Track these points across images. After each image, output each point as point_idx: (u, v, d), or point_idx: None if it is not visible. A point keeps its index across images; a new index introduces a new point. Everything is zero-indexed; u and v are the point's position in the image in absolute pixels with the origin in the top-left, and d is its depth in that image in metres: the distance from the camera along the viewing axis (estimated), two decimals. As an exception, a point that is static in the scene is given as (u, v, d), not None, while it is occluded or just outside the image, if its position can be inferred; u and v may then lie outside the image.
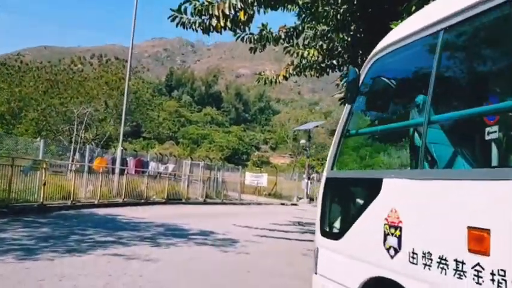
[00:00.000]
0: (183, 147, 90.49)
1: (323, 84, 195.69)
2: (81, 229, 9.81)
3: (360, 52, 15.17)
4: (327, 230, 3.33)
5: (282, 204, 28.69)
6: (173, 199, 20.58)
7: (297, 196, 32.05)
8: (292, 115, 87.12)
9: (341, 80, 16.68)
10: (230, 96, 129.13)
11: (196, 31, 10.48)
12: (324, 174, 3.43)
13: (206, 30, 10.60)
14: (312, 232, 12.20)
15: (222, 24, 10.36)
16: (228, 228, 11.99)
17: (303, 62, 14.59)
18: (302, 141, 34.19)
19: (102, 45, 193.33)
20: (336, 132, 3.44)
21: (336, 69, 14.98)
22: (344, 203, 3.33)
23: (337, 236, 3.08)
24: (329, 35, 13.91)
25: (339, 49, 14.44)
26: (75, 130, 28.23)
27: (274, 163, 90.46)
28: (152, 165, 21.92)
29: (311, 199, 32.30)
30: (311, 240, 11.26)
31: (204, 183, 23.52)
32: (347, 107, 3.38)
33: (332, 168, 3.35)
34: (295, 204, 29.44)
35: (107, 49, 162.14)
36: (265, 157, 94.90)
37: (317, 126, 40.18)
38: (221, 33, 10.74)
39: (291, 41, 13.70)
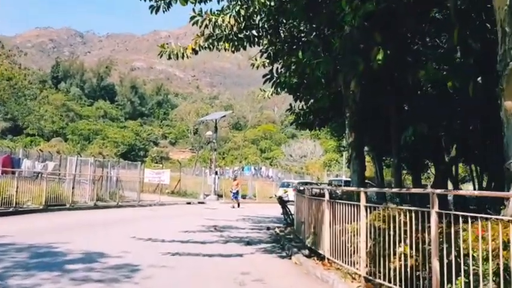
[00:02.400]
0: (73, 144, 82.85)
1: (221, 78, 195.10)
2: None
3: (284, 22, 12.86)
4: None
5: (189, 203, 25.63)
6: (54, 205, 16.57)
7: (204, 193, 29.20)
8: (192, 108, 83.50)
9: (260, 56, 14.22)
10: (125, 89, 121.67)
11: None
12: None
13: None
14: (237, 241, 9.45)
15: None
16: (124, 245, 8.82)
17: (217, 31, 11.88)
18: (208, 132, 31.34)
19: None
20: None
21: (255, 43, 12.50)
22: None
23: None
24: (248, -7, 11.30)
25: (260, 16, 11.99)
26: None
27: (175, 158, 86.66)
28: (26, 163, 17.60)
29: (219, 196, 29.66)
30: (240, 255, 8.62)
31: (94, 184, 19.65)
32: None
33: None
34: (202, 203, 26.56)
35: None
36: (165, 152, 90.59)
37: (224, 116, 37.57)
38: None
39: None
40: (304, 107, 14.19)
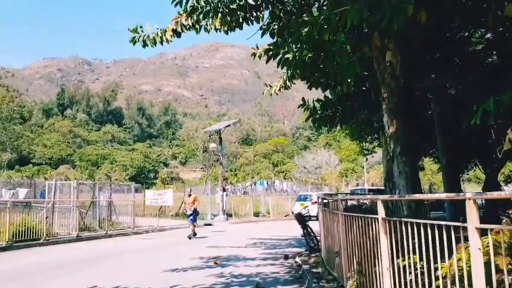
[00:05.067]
0: (81, 170, 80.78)
1: (229, 95, 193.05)
2: None
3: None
4: None
5: (193, 226, 22.49)
6: (24, 240, 13.58)
7: (211, 213, 26.06)
8: (199, 125, 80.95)
9: (261, 35, 11.26)
10: (132, 111, 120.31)
11: None
12: None
13: None
14: (243, 284, 6.30)
15: None
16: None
17: (202, 3, 8.92)
18: (212, 145, 28.19)
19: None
20: None
21: (253, 19, 9.54)
22: None
23: None
24: None
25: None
26: None
27: (185, 178, 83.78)
28: (-8, 192, 14.75)
29: (229, 215, 26.46)
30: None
31: (79, 211, 16.69)
32: None
33: None
34: (209, 224, 23.38)
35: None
36: (175, 173, 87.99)
37: (229, 126, 34.60)
38: None
39: None
40: (322, 97, 11.17)
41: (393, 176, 8.30)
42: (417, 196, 3.71)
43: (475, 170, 18.95)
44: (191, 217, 17.12)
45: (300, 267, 8.41)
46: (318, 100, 11.31)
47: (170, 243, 14.48)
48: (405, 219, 3.94)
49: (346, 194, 22.61)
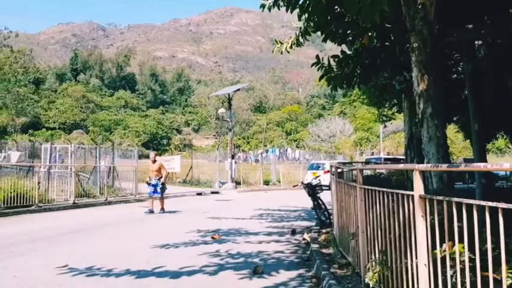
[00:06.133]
0: (94, 135, 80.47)
1: (243, 63, 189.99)
2: None
3: None
4: None
5: (199, 194, 21.50)
6: (16, 206, 12.72)
7: (220, 181, 25.08)
8: (213, 91, 79.49)
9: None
10: (145, 77, 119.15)
11: None
12: None
13: None
14: (239, 265, 5.20)
15: None
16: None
17: None
18: (221, 110, 26.73)
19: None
20: None
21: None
22: None
23: None
24: None
25: None
26: None
27: (198, 145, 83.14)
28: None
29: (237, 183, 25.46)
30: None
31: (77, 176, 15.76)
32: None
33: None
34: (216, 192, 22.41)
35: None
36: (188, 140, 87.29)
37: (238, 90, 33.14)
38: None
39: None
40: (339, 52, 9.75)
41: (419, 143, 7.01)
42: (482, 166, 2.46)
43: (505, 139, 17.39)
44: (154, 189, 13.73)
45: (308, 246, 7.27)
46: (334, 56, 9.84)
47: (169, 213, 13.46)
48: (457, 199, 2.69)
49: (362, 163, 21.29)
